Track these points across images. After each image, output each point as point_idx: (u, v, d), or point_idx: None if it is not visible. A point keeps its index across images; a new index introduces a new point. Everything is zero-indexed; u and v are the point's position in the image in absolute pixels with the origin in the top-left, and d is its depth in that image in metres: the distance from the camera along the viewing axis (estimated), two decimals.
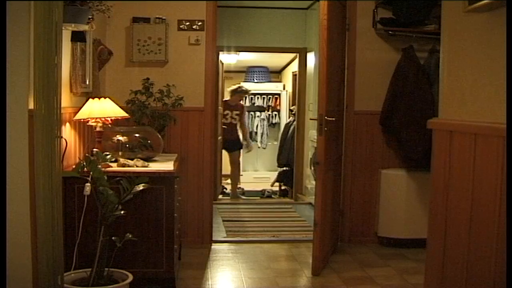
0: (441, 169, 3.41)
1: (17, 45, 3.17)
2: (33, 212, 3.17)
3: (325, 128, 4.47)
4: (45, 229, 3.21)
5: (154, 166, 4.14)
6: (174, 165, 4.19)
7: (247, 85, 9.57)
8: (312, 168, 7.45)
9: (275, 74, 11.83)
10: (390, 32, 5.39)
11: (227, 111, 8.72)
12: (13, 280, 3.21)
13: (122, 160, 4.10)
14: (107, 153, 3.80)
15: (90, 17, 3.89)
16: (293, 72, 9.97)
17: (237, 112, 8.81)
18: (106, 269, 3.55)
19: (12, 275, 3.19)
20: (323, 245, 4.71)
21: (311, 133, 7.73)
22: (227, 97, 9.03)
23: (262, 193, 9.38)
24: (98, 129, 4.09)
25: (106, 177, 3.51)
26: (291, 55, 9.74)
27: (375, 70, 5.46)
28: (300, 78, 8.71)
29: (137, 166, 4.05)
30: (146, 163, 4.14)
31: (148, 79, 5.02)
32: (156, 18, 5.27)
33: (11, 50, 3.15)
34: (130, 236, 3.59)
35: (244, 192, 9.23)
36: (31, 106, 3.16)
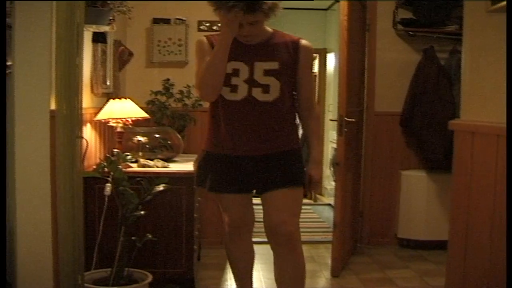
0: (462, 171, 3.38)
1: (39, 46, 3.19)
2: (54, 212, 3.19)
3: (345, 129, 4.46)
4: (66, 229, 3.23)
5: (174, 167, 4.15)
6: (194, 165, 4.20)
7: None
8: (332, 169, 7.43)
9: None
10: (410, 32, 5.36)
11: None
12: (34, 279, 3.23)
13: (142, 161, 4.12)
14: (128, 153, 3.82)
15: (111, 18, 3.91)
16: (312, 73, 9.94)
17: None
18: (126, 269, 3.57)
19: (33, 274, 3.22)
20: (343, 246, 4.69)
21: (331, 134, 7.71)
22: None
23: None
24: (118, 129, 4.11)
25: (126, 178, 3.53)
26: None
27: (395, 71, 5.44)
28: (319, 79, 8.69)
29: (157, 167, 4.06)
30: (166, 164, 4.15)
31: (168, 79, 5.03)
32: (177, 19, 5.28)
33: (32, 51, 3.17)
34: (150, 236, 3.60)
35: None
36: (53, 106, 3.18)
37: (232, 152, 3.02)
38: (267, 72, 2.94)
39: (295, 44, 3.04)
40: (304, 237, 5.83)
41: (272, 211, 3.03)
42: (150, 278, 3.60)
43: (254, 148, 3.01)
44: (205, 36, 3.09)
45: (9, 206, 3.33)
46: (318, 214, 7.06)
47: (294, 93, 3.11)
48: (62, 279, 3.21)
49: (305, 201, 8.58)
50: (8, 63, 3.28)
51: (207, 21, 5.29)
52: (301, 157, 3.12)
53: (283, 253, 3.05)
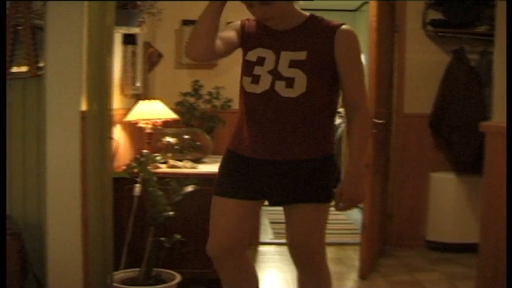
0: (494, 173, 3.35)
1: (70, 48, 3.23)
2: (84, 212, 3.22)
3: (374, 130, 4.44)
4: (96, 229, 3.26)
5: (203, 168, 4.16)
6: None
7: None
8: None
9: None
10: (440, 33, 5.32)
11: None
12: (64, 278, 3.26)
13: (171, 162, 4.14)
14: (157, 154, 3.84)
15: (141, 20, 3.94)
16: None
17: None
18: (155, 269, 3.59)
19: (63, 274, 3.26)
20: (371, 248, 4.67)
21: None
22: None
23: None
24: (148, 130, 4.14)
25: (155, 178, 3.55)
26: None
27: (425, 72, 5.40)
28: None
29: (186, 168, 4.08)
30: (195, 165, 4.17)
31: (197, 81, 5.05)
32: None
33: (64, 53, 3.21)
34: (178, 236, 3.62)
35: None
36: (83, 107, 3.21)
37: (250, 153, 2.61)
38: (292, 63, 2.50)
39: (332, 30, 2.56)
40: (332, 239, 5.86)
41: (293, 229, 2.66)
42: (178, 278, 3.62)
43: (273, 152, 2.57)
44: (246, 19, 2.74)
45: (40, 206, 3.38)
46: (346, 215, 7.03)
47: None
48: (91, 278, 3.25)
49: (334, 202, 8.55)
50: (41, 65, 3.32)
51: None
52: (332, 167, 2.65)
53: (306, 272, 2.75)
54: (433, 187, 5.40)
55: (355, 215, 6.85)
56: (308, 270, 2.74)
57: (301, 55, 2.51)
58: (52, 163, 3.20)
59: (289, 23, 2.57)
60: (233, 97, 5.10)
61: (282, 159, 2.57)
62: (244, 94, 2.62)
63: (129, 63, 4.24)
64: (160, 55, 5.16)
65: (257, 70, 2.56)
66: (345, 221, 6.64)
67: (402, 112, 5.43)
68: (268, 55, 2.55)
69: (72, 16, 3.22)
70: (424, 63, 5.40)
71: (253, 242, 5.30)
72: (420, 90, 5.40)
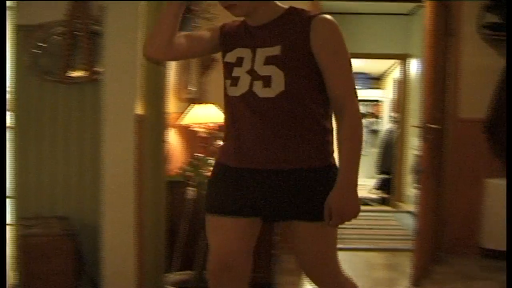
0: None
1: (126, 52, 3.29)
2: (138, 214, 3.27)
3: (429, 136, 4.39)
4: (150, 231, 3.31)
5: None
6: None
7: None
8: (414, 175, 7.33)
9: (375, 80, 11.71)
10: (496, 37, 5.23)
11: None
12: (118, 279, 3.32)
13: None
14: (211, 158, 3.87)
15: (196, 25, 3.98)
16: (395, 78, 9.84)
17: None
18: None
19: (117, 275, 3.31)
20: (424, 255, 4.62)
21: (413, 141, 7.60)
22: None
23: (361, 201, 9.26)
24: (202, 134, 4.18)
25: None
26: (392, 61, 9.62)
27: (480, 76, 5.31)
28: (402, 84, 8.59)
29: None
30: None
31: None
32: None
33: (120, 57, 3.27)
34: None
35: None
36: (139, 111, 3.27)
37: (235, 163, 2.31)
38: (267, 60, 2.22)
39: (308, 20, 2.22)
40: (383, 245, 5.82)
41: (300, 251, 2.39)
42: None
43: (257, 159, 2.26)
44: (231, 21, 2.52)
45: (96, 208, 3.45)
46: (399, 221, 6.97)
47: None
48: (144, 280, 3.30)
49: (386, 207, 8.51)
50: (98, 70, 3.40)
51: None
52: (329, 179, 2.25)
53: None
54: (488, 194, 5.31)
55: (408, 220, 6.79)
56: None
57: (275, 50, 2.22)
58: (108, 165, 3.26)
59: (265, 17, 2.30)
60: None
61: (267, 168, 2.26)
62: (226, 98, 2.41)
63: (184, 68, 4.29)
64: (214, 60, 5.20)
65: (236, 71, 2.32)
66: (396, 227, 6.59)
67: (457, 117, 5.36)
68: (246, 54, 2.30)
69: (129, 22, 3.28)
70: (480, 67, 5.32)
71: None
72: (475, 94, 5.31)
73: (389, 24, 8.22)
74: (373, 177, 10.31)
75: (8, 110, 3.47)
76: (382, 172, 9.13)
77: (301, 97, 2.23)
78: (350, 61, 2.27)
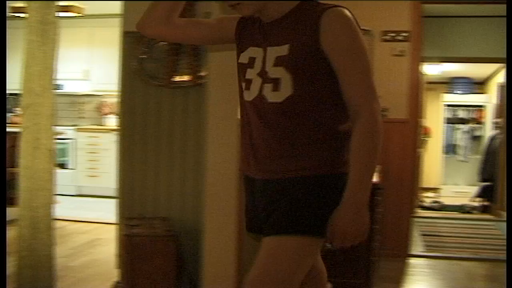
0: None
1: (230, 58, 3.32)
2: (240, 217, 3.31)
3: None
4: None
5: None
6: (378, 176, 4.19)
7: (449, 97, 9.31)
8: None
9: (478, 85, 11.40)
10: None
11: None
12: (218, 281, 3.37)
13: None
14: None
15: None
16: (498, 83, 9.54)
17: None
18: None
19: (217, 276, 3.37)
20: None
21: None
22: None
23: (461, 208, 9.06)
24: None
25: None
26: (495, 65, 9.33)
27: None
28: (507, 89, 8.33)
29: None
30: None
31: None
32: (361, 29, 5.28)
33: (224, 62, 3.31)
34: (329, 246, 3.64)
35: (443, 206, 8.98)
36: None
37: (250, 172, 2.13)
38: (277, 61, 1.98)
39: (318, 14, 1.95)
40: (485, 254, 5.66)
41: (254, 265, 2.04)
42: (329, 287, 3.65)
43: (263, 168, 2.06)
44: (246, 17, 2.14)
45: (197, 209, 3.53)
46: (501, 230, 6.76)
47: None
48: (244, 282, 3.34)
49: (488, 216, 8.26)
50: (202, 74, 3.48)
51: (392, 31, 5.26)
52: (328, 189, 2.00)
53: None
54: None
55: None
56: None
57: (284, 50, 1.98)
58: (210, 169, 3.32)
59: (277, 12, 2.04)
60: (387, 106, 5.08)
61: (269, 178, 2.05)
62: (241, 103, 2.17)
63: None
64: None
65: (248, 73, 2.08)
66: (499, 236, 6.40)
67: None
68: (258, 54, 2.06)
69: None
70: None
71: (402, 254, 5.24)
72: None
73: (494, 27, 7.98)
74: (474, 184, 10.03)
75: (114, 114, 3.60)
76: (484, 180, 8.87)
77: (310, 103, 1.99)
78: (366, 59, 2.00)
